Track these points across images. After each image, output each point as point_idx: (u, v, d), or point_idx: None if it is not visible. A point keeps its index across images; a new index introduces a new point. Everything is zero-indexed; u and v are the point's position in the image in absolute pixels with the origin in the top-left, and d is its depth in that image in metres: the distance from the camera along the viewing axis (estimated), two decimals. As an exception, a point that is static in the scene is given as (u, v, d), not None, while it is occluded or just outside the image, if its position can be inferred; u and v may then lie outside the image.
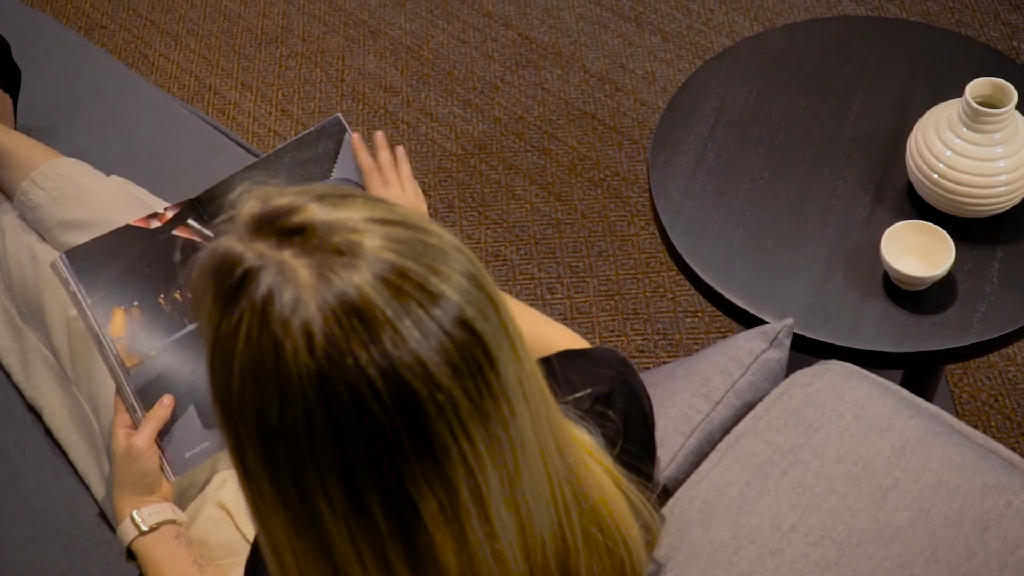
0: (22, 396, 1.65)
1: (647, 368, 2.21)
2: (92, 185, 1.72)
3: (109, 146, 1.95)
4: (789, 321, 1.32)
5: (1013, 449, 2.08)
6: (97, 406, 1.53)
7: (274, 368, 0.73)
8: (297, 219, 0.75)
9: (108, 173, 1.91)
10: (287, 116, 2.76)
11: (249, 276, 0.74)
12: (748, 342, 1.30)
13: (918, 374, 1.85)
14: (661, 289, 2.37)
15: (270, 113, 2.77)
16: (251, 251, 0.74)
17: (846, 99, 1.81)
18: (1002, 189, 1.56)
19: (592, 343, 2.29)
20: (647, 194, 2.50)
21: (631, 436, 1.08)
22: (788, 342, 1.31)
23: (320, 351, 0.72)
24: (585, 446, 0.96)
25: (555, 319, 2.33)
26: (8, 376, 1.67)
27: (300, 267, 0.73)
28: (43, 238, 1.71)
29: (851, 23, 1.94)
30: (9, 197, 1.77)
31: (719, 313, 2.30)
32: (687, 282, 1.91)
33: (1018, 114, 1.58)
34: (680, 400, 1.25)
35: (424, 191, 2.57)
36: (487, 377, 0.77)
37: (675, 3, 2.91)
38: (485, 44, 2.86)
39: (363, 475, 0.75)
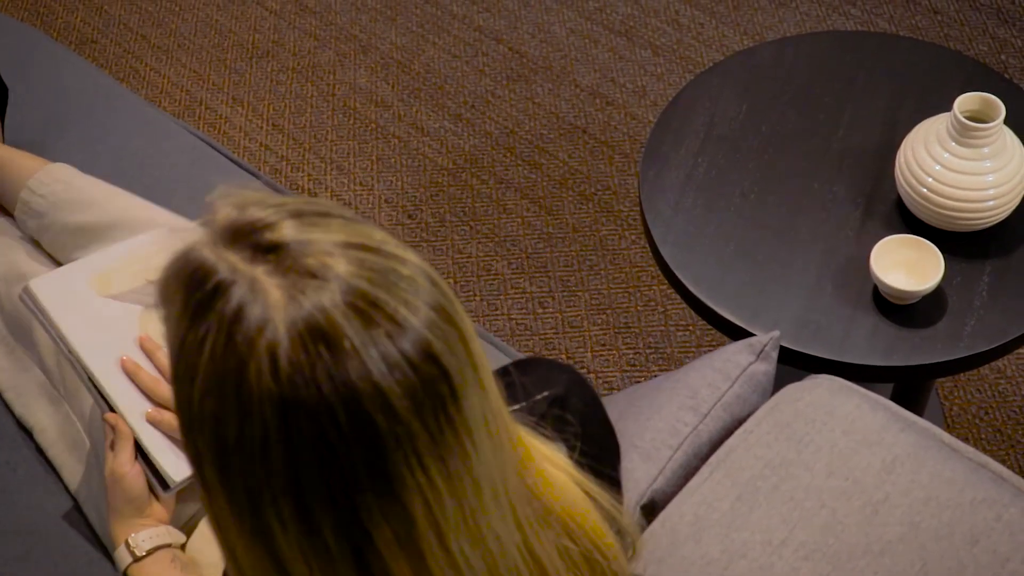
0: (12, 414, 1.64)
1: (638, 382, 2.21)
2: (90, 187, 1.72)
3: (100, 161, 1.95)
4: (775, 333, 1.32)
5: (1003, 462, 2.09)
6: (89, 424, 1.52)
7: (236, 386, 0.72)
8: (272, 236, 0.74)
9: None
10: (278, 131, 2.76)
11: (220, 290, 0.73)
12: (735, 355, 1.30)
13: (908, 388, 1.86)
14: (652, 303, 2.37)
15: (261, 128, 2.77)
16: (224, 263, 0.74)
17: (836, 113, 1.81)
18: (991, 203, 1.56)
19: (583, 357, 2.30)
20: (638, 208, 2.50)
21: (590, 437, 1.07)
22: (775, 354, 1.31)
23: (284, 375, 0.71)
24: (548, 458, 0.95)
25: (547, 333, 2.34)
26: None
27: (271, 287, 0.72)
28: (38, 252, 1.71)
29: (840, 38, 1.95)
30: (8, 212, 1.77)
31: (710, 327, 2.30)
32: (678, 296, 1.91)
33: (1006, 128, 1.58)
34: (667, 413, 1.25)
35: (415, 205, 2.57)
36: (449, 412, 0.76)
37: (665, 17, 2.92)
38: (476, 59, 2.87)
39: (316, 499, 0.75)
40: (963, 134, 1.55)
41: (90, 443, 1.52)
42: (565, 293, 2.40)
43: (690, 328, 2.33)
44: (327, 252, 0.74)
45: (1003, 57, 2.73)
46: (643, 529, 1.19)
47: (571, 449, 1.02)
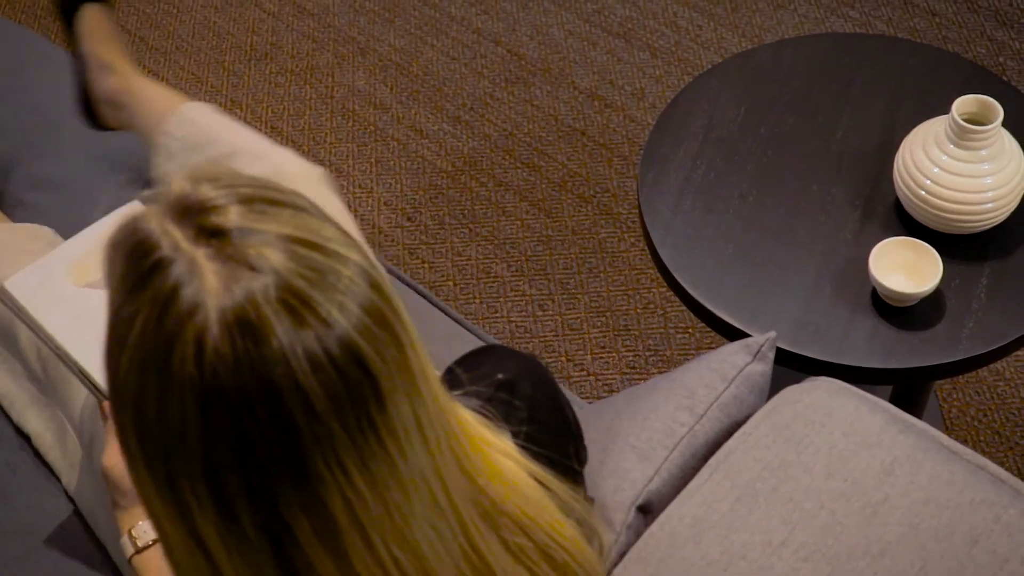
0: (10, 419, 1.64)
1: (637, 383, 2.21)
2: (216, 124, 1.70)
3: (99, 163, 1.95)
4: (772, 334, 1.32)
5: (1001, 463, 2.09)
6: (80, 427, 1.52)
7: (160, 366, 0.72)
8: (217, 220, 0.74)
9: (98, 191, 1.91)
10: (277, 133, 2.76)
11: (159, 266, 0.73)
12: (732, 355, 1.30)
13: (907, 390, 1.86)
14: (652, 305, 2.37)
15: (260, 130, 2.77)
16: (167, 239, 0.74)
17: (834, 116, 1.82)
18: (989, 206, 1.57)
19: (583, 360, 2.30)
20: (637, 210, 2.50)
21: (539, 422, 1.07)
22: (772, 355, 1.32)
23: (207, 362, 0.71)
24: (500, 450, 0.95)
25: (546, 336, 2.34)
26: None
27: (209, 272, 0.72)
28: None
29: (839, 40, 1.95)
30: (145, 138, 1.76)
31: (709, 329, 2.30)
32: (677, 298, 1.91)
33: (1004, 131, 1.59)
34: (664, 413, 1.25)
35: (414, 208, 2.58)
36: (372, 416, 0.76)
37: (664, 20, 2.92)
38: (474, 61, 2.87)
39: (232, 486, 0.75)
40: (961, 136, 1.55)
41: (81, 446, 1.52)
42: (564, 296, 2.40)
43: (689, 330, 2.33)
44: (268, 243, 0.74)
45: (1001, 59, 2.74)
46: (640, 529, 1.19)
47: (515, 435, 1.01)
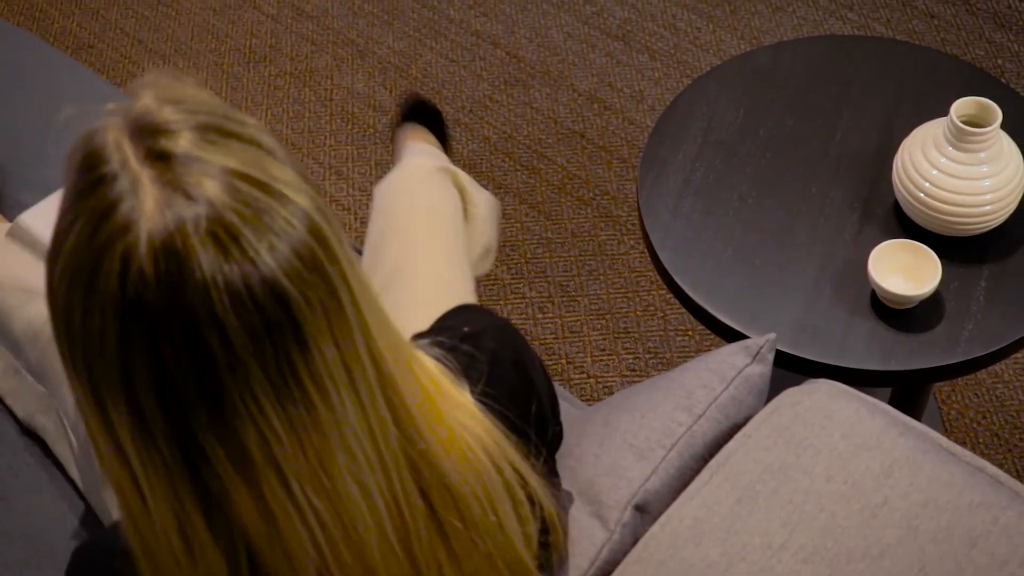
0: (15, 419, 1.64)
1: (636, 386, 2.21)
2: None
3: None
4: (772, 336, 1.32)
5: (1000, 465, 2.09)
6: (75, 422, 1.52)
7: (87, 279, 0.74)
8: (166, 144, 0.75)
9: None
10: (276, 135, 2.76)
11: (104, 180, 0.75)
12: (731, 356, 1.30)
13: (906, 392, 1.86)
14: (651, 308, 2.37)
15: (259, 132, 2.77)
16: (118, 155, 0.75)
17: (833, 118, 1.82)
18: (988, 208, 1.57)
19: (583, 362, 2.31)
20: (636, 213, 2.51)
21: (497, 378, 1.05)
22: (771, 356, 1.32)
23: (131, 283, 0.73)
24: (458, 404, 0.95)
25: (546, 338, 2.34)
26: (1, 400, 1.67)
27: (148, 194, 0.73)
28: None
29: (837, 42, 1.96)
30: None
31: (709, 332, 2.31)
32: (677, 301, 1.91)
33: (1003, 133, 1.59)
34: (662, 412, 1.26)
35: (413, 210, 2.57)
36: (293, 360, 0.77)
37: (662, 22, 2.92)
38: (473, 63, 2.87)
39: (149, 405, 0.76)
40: (960, 139, 1.55)
41: (75, 439, 1.52)
42: (564, 298, 2.40)
43: (689, 333, 2.33)
44: (208, 175, 0.75)
45: (1000, 62, 2.74)
46: (635, 528, 1.19)
47: (474, 384, 1.01)
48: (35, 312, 1.56)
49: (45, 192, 1.91)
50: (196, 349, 0.74)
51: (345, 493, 0.83)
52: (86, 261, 0.74)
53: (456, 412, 0.94)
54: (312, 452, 0.80)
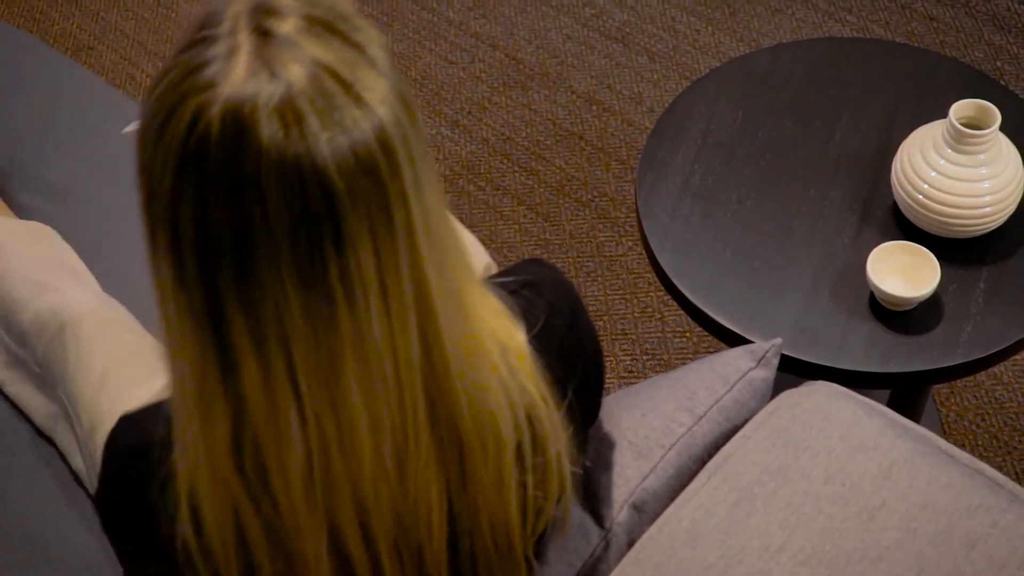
0: (24, 417, 1.64)
1: (635, 388, 2.21)
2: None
3: (98, 168, 1.95)
4: (777, 341, 1.32)
5: (999, 468, 2.09)
6: (76, 408, 1.52)
7: (161, 124, 0.79)
8: (273, 24, 0.79)
9: (96, 194, 1.91)
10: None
11: (208, 41, 0.79)
12: (736, 359, 1.30)
13: (905, 394, 1.86)
14: (649, 309, 2.37)
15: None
16: (230, 24, 0.80)
17: (832, 120, 1.82)
18: (987, 210, 1.57)
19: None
20: (635, 215, 2.50)
21: (551, 330, 1.05)
22: (776, 361, 1.32)
23: (194, 136, 0.77)
24: (511, 348, 0.96)
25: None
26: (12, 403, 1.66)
27: (240, 64, 0.78)
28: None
29: (836, 44, 1.95)
30: None
31: (707, 333, 2.30)
32: (675, 302, 1.91)
33: (1002, 135, 1.59)
34: (664, 412, 1.25)
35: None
36: (325, 253, 0.79)
37: (662, 24, 2.92)
38: (473, 65, 2.87)
39: (188, 255, 0.80)
40: (959, 141, 1.55)
41: (79, 429, 1.51)
42: (562, 299, 2.40)
43: (687, 334, 2.33)
44: (298, 60, 0.78)
45: (999, 64, 2.74)
46: (631, 527, 1.19)
47: (529, 330, 1.01)
48: (44, 305, 1.56)
49: (45, 192, 1.91)
50: (237, 212, 0.78)
51: (349, 400, 0.85)
52: (165, 106, 0.79)
53: (504, 359, 0.95)
54: (325, 350, 0.82)
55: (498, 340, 0.95)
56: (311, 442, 0.86)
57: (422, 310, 0.85)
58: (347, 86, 0.79)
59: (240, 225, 0.78)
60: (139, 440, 0.97)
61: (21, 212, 1.89)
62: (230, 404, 0.85)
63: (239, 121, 0.76)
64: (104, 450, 1.02)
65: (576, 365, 1.08)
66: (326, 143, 0.77)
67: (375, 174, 0.79)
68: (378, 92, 0.80)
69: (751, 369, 1.29)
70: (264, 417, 0.85)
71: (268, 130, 0.76)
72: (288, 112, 0.77)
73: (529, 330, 1.01)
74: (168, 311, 0.85)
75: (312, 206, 0.78)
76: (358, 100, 0.79)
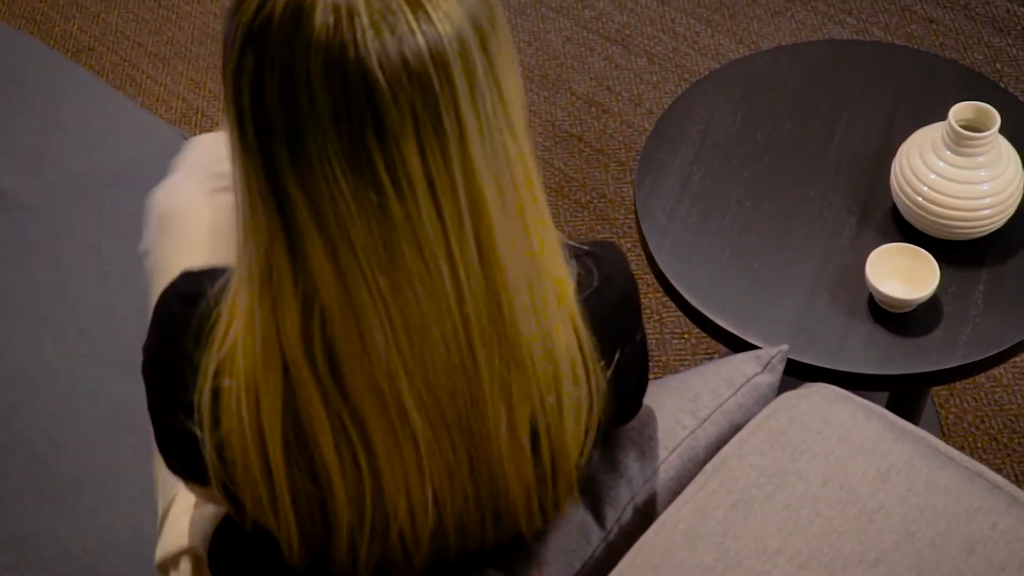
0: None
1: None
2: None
3: (98, 169, 1.95)
4: (784, 347, 1.32)
5: (999, 470, 2.09)
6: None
7: (234, 6, 0.83)
8: None
9: (96, 196, 1.91)
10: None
11: None
12: (742, 364, 1.30)
13: (904, 396, 1.86)
14: (648, 311, 2.37)
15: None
16: None
17: (831, 122, 1.82)
18: (986, 212, 1.57)
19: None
20: (633, 216, 2.50)
21: (601, 300, 1.06)
22: (781, 367, 1.32)
23: (260, 17, 0.81)
24: (564, 296, 0.97)
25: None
26: None
27: None
28: None
29: (836, 46, 1.95)
30: None
31: (706, 335, 2.30)
32: (674, 304, 1.91)
33: (1001, 137, 1.59)
34: (667, 413, 1.26)
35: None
36: (368, 143, 0.82)
37: (661, 26, 2.92)
38: (472, 67, 2.87)
39: (248, 133, 0.84)
40: (958, 143, 1.55)
41: None
42: (561, 301, 2.40)
43: (686, 336, 2.33)
44: None
45: (998, 66, 2.74)
46: (631, 528, 1.19)
47: (579, 293, 1.02)
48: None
49: (46, 193, 1.91)
50: (287, 93, 0.81)
51: (411, 291, 0.87)
52: None
53: (554, 291, 0.96)
54: (380, 237, 0.85)
55: (554, 280, 0.97)
56: (385, 327, 0.88)
57: (477, 218, 0.87)
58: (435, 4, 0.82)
59: (290, 106, 0.82)
60: (192, 290, 1.00)
61: (21, 212, 1.89)
62: (299, 285, 0.87)
63: (299, 8, 0.80)
64: (160, 295, 1.05)
65: (614, 348, 1.07)
66: (372, 40, 0.80)
67: (423, 82, 0.82)
68: (448, 10, 0.82)
69: (756, 374, 1.29)
70: (337, 303, 0.87)
71: (321, 18, 0.80)
72: (344, 7, 0.80)
73: (579, 293, 1.02)
74: (237, 176, 0.88)
75: (353, 97, 0.81)
76: (418, 10, 0.81)
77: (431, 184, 0.84)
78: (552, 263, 0.96)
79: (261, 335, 0.91)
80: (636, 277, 2.39)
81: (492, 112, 0.86)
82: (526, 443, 0.99)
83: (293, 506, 0.99)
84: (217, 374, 0.95)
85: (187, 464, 1.04)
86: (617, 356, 1.07)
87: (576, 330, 0.99)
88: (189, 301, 0.99)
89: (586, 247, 1.08)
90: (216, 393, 0.96)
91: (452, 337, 0.90)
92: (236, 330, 0.93)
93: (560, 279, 0.98)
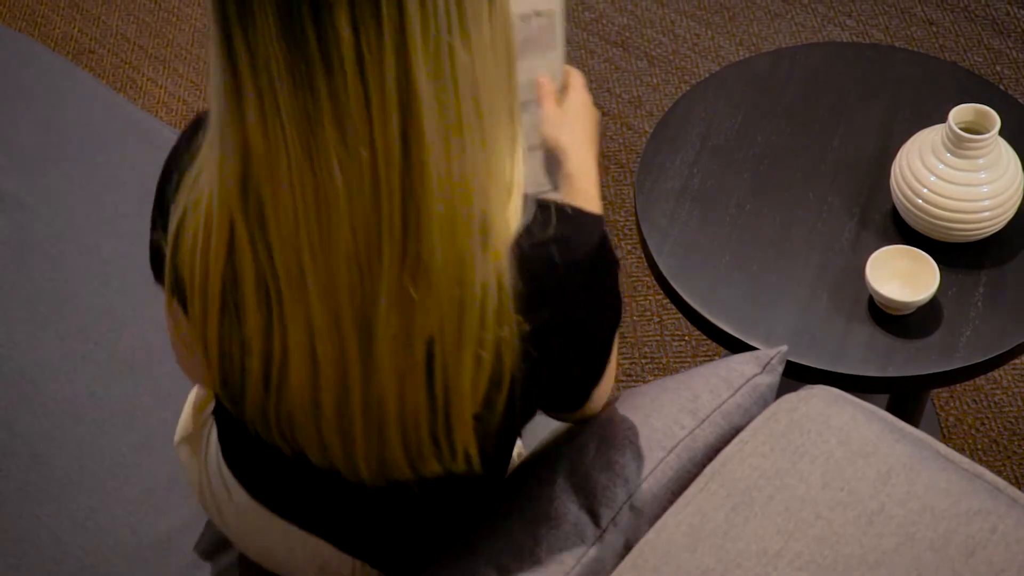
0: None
1: (634, 392, 2.21)
2: None
3: (98, 171, 1.95)
4: (784, 348, 1.32)
5: (999, 472, 2.09)
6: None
7: None
8: None
9: (97, 197, 1.91)
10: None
11: None
12: (741, 365, 1.30)
13: (904, 398, 1.86)
14: (648, 313, 2.37)
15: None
16: None
17: (831, 124, 1.82)
18: (986, 214, 1.57)
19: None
20: (634, 218, 2.50)
21: (547, 254, 0.99)
22: (781, 368, 1.32)
23: None
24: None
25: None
26: None
27: None
28: None
29: (836, 49, 1.96)
30: None
31: (706, 337, 2.30)
32: (674, 306, 1.91)
33: (1001, 140, 1.59)
34: (667, 413, 1.25)
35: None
36: (301, 9, 0.82)
37: (661, 28, 2.92)
38: (472, 69, 2.87)
39: None
40: (958, 145, 1.55)
41: None
42: (561, 303, 2.40)
43: (686, 338, 2.33)
44: None
45: (998, 68, 2.74)
46: (627, 528, 1.19)
47: (524, 238, 0.97)
48: None
49: (46, 193, 1.91)
50: None
51: (327, 168, 0.88)
52: None
53: (481, 233, 0.94)
54: (304, 107, 0.86)
55: (485, 213, 0.93)
56: (296, 198, 0.90)
57: (408, 117, 0.86)
58: None
59: None
60: (198, 121, 1.05)
61: (21, 212, 1.89)
62: (239, 139, 0.90)
63: None
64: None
65: (542, 309, 0.99)
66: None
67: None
68: None
69: (756, 375, 1.29)
70: (262, 158, 0.90)
71: None
72: None
73: (519, 237, 0.96)
74: (209, 35, 0.90)
75: None
76: None
77: (360, 63, 0.84)
78: (490, 198, 0.93)
79: (219, 183, 0.94)
80: (631, 277, 2.39)
81: (444, 11, 0.85)
82: (419, 359, 0.96)
83: (218, 346, 1.02)
84: (186, 210, 1.00)
85: (161, 276, 1.10)
86: (546, 318, 0.99)
87: (498, 273, 0.94)
88: (194, 125, 1.06)
89: (568, 209, 1.02)
90: (181, 226, 1.00)
91: (362, 228, 0.90)
92: (203, 174, 0.98)
93: (495, 216, 0.94)
